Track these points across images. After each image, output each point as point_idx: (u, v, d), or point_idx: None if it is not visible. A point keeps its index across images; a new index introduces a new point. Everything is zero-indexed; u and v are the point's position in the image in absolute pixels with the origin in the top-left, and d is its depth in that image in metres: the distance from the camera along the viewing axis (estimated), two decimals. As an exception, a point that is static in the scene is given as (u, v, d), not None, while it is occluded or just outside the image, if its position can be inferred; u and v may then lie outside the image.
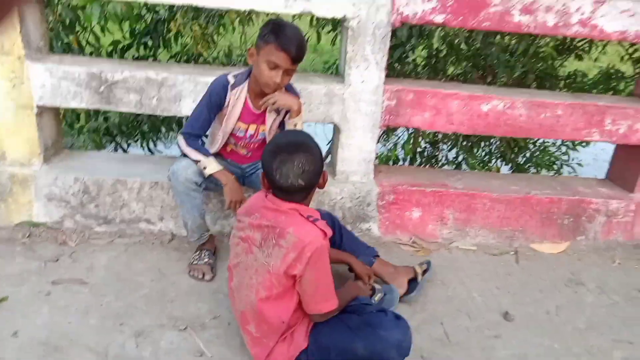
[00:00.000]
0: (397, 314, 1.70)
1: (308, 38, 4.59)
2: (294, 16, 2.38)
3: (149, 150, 4.50)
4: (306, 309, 1.58)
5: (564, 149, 6.22)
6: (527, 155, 6.07)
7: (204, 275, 2.09)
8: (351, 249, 2.12)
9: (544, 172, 5.79)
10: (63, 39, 3.80)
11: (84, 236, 2.31)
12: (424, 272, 2.20)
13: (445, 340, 1.93)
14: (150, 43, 4.18)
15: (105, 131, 4.11)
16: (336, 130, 2.47)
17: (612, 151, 2.94)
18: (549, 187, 2.72)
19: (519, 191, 2.63)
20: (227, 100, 2.00)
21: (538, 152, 6.15)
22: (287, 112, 2.06)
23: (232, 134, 2.12)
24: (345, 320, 1.63)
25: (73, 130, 4.27)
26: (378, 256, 2.18)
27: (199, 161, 1.98)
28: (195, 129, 2.03)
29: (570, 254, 2.64)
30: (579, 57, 5.01)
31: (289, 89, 2.06)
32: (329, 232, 1.54)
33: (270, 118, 2.08)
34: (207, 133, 2.12)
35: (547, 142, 5.99)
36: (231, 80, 2.00)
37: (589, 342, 2.00)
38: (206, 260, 2.14)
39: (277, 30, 1.82)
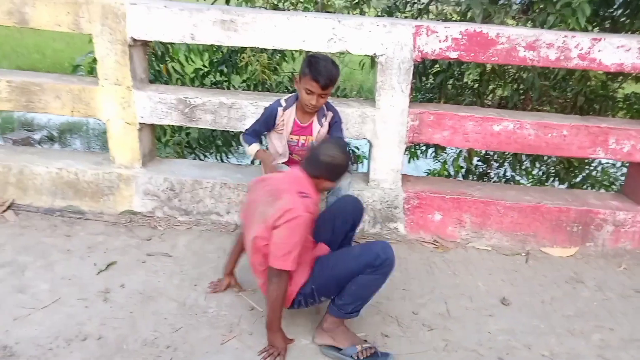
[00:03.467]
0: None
1: (363, 64, 5.17)
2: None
3: (222, 161, 5.23)
4: (269, 261, 1.95)
5: (624, 169, 6.28)
6: (585, 174, 6.19)
7: None
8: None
9: (602, 191, 5.90)
10: (155, 67, 4.61)
11: (170, 223, 2.98)
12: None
13: (446, 315, 2.38)
14: (225, 70, 4.92)
15: (186, 144, 4.87)
16: (370, 145, 2.99)
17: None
18: (561, 198, 3.07)
19: (531, 200, 3.00)
20: (277, 121, 2.57)
21: (595, 172, 6.26)
22: (330, 126, 2.62)
23: (289, 145, 2.66)
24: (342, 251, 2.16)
25: (160, 143, 5.09)
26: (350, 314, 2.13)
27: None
28: (251, 130, 2.67)
29: (579, 257, 2.97)
30: (638, 79, 5.15)
31: (329, 108, 2.62)
32: (312, 211, 1.97)
33: (315, 129, 2.60)
34: (270, 148, 2.68)
35: (607, 162, 6.09)
36: (283, 104, 2.58)
37: (573, 326, 2.37)
38: None
39: (311, 64, 2.37)
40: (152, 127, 3.14)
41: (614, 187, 6.07)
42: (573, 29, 3.30)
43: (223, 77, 5.05)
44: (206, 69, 4.95)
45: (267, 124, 2.62)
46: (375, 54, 2.73)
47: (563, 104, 5.47)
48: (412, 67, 2.75)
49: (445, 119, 2.86)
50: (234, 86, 5.16)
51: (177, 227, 2.96)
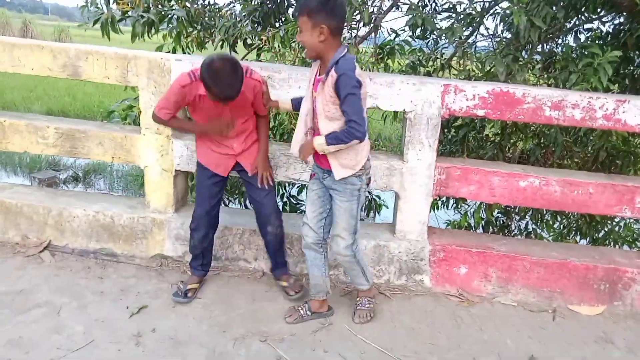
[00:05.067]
0: None
1: (385, 117, 5.30)
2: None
3: (245, 206, 5.34)
4: None
5: (649, 225, 6.21)
6: (607, 229, 6.14)
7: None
8: None
9: (625, 247, 5.83)
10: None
11: (199, 268, 3.04)
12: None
13: (474, 372, 2.37)
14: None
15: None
16: (396, 197, 3.06)
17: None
18: (587, 255, 3.07)
19: (557, 257, 3.01)
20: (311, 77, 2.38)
21: (618, 228, 6.20)
22: (336, 90, 2.19)
23: (314, 109, 2.35)
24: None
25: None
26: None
27: None
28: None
29: (607, 316, 2.94)
30: (658, 135, 5.18)
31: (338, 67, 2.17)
32: (184, 84, 2.45)
33: (319, 84, 2.24)
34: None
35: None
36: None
37: (604, 388, 2.33)
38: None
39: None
40: (187, 174, 3.26)
41: (637, 242, 6.00)
42: (595, 88, 3.39)
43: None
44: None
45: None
46: (404, 110, 2.84)
47: (584, 158, 5.51)
48: (440, 123, 2.84)
49: (472, 174, 2.92)
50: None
51: (206, 272, 3.02)
